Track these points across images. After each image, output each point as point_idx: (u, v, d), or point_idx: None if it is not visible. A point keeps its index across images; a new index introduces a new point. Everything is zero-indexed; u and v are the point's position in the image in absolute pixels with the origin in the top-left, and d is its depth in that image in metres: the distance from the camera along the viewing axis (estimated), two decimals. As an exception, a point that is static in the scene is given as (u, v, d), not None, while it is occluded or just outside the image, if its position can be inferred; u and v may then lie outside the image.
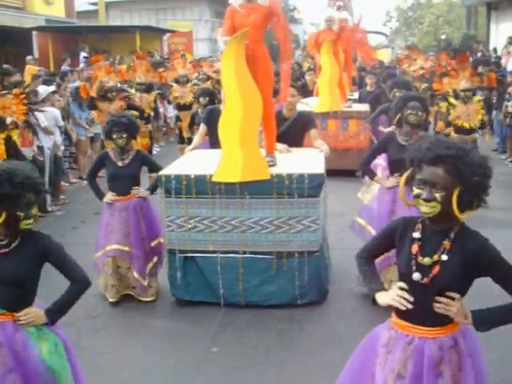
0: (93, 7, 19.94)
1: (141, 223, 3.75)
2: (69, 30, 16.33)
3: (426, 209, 1.67)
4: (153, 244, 3.82)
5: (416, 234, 1.74)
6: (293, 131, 4.26)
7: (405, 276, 1.76)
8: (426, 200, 1.65)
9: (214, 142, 4.40)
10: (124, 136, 3.64)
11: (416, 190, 1.68)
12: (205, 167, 3.61)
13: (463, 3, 22.66)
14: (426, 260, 1.71)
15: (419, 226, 1.77)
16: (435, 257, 1.70)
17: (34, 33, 15.17)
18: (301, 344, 3.25)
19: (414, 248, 1.73)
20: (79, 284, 2.10)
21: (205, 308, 3.66)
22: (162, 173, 3.66)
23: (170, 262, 3.68)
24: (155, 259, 3.85)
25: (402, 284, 1.76)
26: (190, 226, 3.56)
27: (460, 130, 5.66)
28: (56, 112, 6.27)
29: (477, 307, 1.78)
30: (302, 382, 2.89)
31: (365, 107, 7.32)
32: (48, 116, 5.96)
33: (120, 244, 3.71)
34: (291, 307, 3.59)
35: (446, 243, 1.70)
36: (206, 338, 3.31)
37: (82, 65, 13.34)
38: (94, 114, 6.12)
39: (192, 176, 3.51)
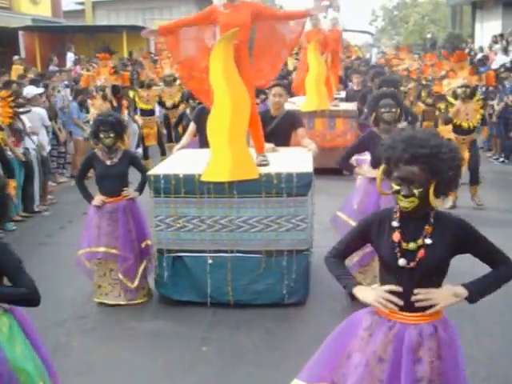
0: (79, 7, 19.76)
1: (130, 225, 3.73)
2: (55, 30, 16.17)
3: (405, 203, 1.76)
4: (143, 245, 3.81)
5: (395, 223, 1.82)
6: (280, 130, 4.27)
7: (390, 264, 1.82)
8: (406, 196, 1.74)
9: (203, 141, 4.41)
10: (111, 135, 3.61)
11: (395, 187, 1.77)
12: (194, 167, 3.61)
13: (448, 2, 22.92)
14: (412, 245, 1.78)
15: (397, 214, 1.84)
16: (419, 241, 1.78)
17: (21, 32, 14.98)
18: (290, 343, 3.27)
19: (396, 236, 1.80)
20: (28, 290, 1.94)
21: (194, 308, 3.66)
22: (150, 172, 3.66)
23: (159, 262, 3.68)
24: (145, 261, 3.83)
25: (391, 287, 1.80)
26: (178, 225, 3.57)
27: (458, 129, 5.63)
28: (42, 112, 6.22)
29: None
30: (292, 381, 2.91)
31: (352, 106, 7.38)
32: (34, 117, 5.92)
33: (108, 247, 3.68)
34: (280, 306, 3.61)
35: (428, 227, 1.78)
36: (197, 337, 3.32)
37: (68, 64, 13.24)
38: (92, 112, 6.13)
39: (181, 176, 3.51)
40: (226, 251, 3.58)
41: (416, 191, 1.72)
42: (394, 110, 3.55)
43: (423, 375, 1.76)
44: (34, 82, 7.17)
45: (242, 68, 3.41)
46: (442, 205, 1.91)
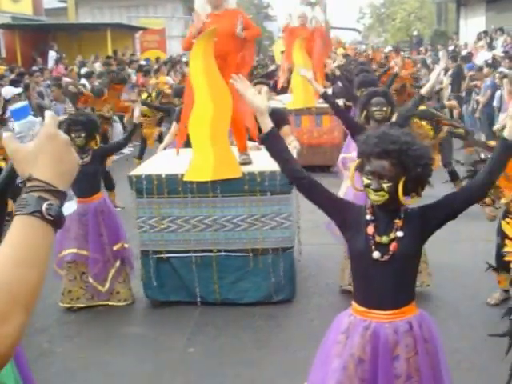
0: (62, 4, 19.49)
1: (101, 227, 3.64)
2: (37, 28, 15.91)
3: (375, 197, 1.81)
4: (115, 248, 3.71)
5: (369, 217, 1.86)
6: None
7: (364, 257, 1.85)
8: (375, 190, 1.78)
9: (185, 141, 4.36)
10: (82, 135, 3.55)
11: (366, 181, 1.82)
12: (176, 166, 3.57)
13: (433, 0, 23.10)
14: (384, 238, 1.83)
15: (370, 209, 1.89)
16: (391, 235, 1.83)
17: (0, 31, 14.73)
18: (278, 341, 3.25)
19: (370, 229, 1.85)
20: None
21: (180, 309, 3.63)
22: (132, 173, 3.61)
23: (144, 264, 3.63)
24: (117, 264, 3.73)
25: None
26: (162, 226, 3.52)
27: None
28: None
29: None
30: (279, 380, 2.89)
31: (339, 103, 7.37)
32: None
33: (79, 248, 3.62)
34: (268, 304, 3.59)
35: (398, 221, 1.84)
36: (183, 338, 3.29)
37: (50, 63, 13.04)
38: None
39: (163, 176, 3.47)
40: (211, 251, 3.54)
41: (385, 186, 1.77)
42: (384, 108, 3.54)
43: (401, 372, 1.79)
44: (14, 83, 7.03)
45: (228, 75, 3.35)
46: (414, 202, 1.94)
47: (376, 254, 1.81)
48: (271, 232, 3.48)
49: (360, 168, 1.85)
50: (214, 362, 3.04)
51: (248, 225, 3.49)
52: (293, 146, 4.09)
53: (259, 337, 3.28)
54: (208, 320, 3.50)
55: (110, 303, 3.74)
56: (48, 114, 0.90)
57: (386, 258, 1.81)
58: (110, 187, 5.89)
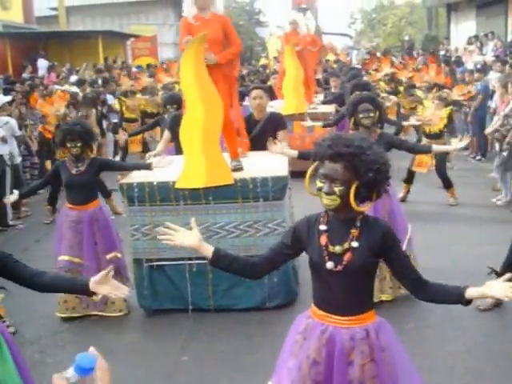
0: (53, 12, 19.44)
1: (96, 235, 3.62)
2: (28, 36, 15.86)
3: (327, 201, 1.78)
4: (108, 257, 3.68)
5: (322, 226, 1.83)
6: (265, 133, 4.22)
7: (319, 267, 1.82)
8: (327, 193, 1.75)
9: (178, 147, 4.35)
10: (78, 145, 3.55)
11: (319, 184, 1.79)
12: (168, 174, 3.56)
13: (424, 5, 23.31)
14: (338, 248, 1.79)
15: (324, 218, 1.85)
16: (345, 245, 1.79)
17: (-9, 39, 14.67)
18: (271, 347, 3.21)
19: (323, 239, 1.81)
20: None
21: (174, 316, 3.60)
22: (123, 181, 3.60)
23: (137, 272, 3.61)
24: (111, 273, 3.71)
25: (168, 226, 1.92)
26: (155, 233, 3.50)
27: (424, 132, 5.86)
28: (12, 121, 6.05)
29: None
30: (273, 387, 2.87)
31: (330, 108, 7.40)
32: (3, 126, 5.75)
33: (72, 256, 3.58)
34: (261, 310, 3.58)
35: (354, 231, 1.80)
36: (176, 347, 3.27)
37: (41, 72, 12.99)
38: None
39: (155, 183, 3.46)
40: (204, 258, 3.50)
41: (337, 189, 1.74)
42: (372, 114, 3.56)
43: (354, 377, 1.77)
44: (5, 91, 6.99)
45: (216, 78, 3.36)
46: (367, 209, 1.91)
47: (329, 265, 1.78)
48: (264, 238, 3.47)
49: (315, 172, 1.82)
50: (207, 370, 3.02)
51: (241, 231, 3.48)
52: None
53: (252, 343, 3.27)
54: (201, 327, 3.48)
55: (105, 314, 3.70)
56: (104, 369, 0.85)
57: (339, 268, 1.77)
58: (106, 195, 5.86)
